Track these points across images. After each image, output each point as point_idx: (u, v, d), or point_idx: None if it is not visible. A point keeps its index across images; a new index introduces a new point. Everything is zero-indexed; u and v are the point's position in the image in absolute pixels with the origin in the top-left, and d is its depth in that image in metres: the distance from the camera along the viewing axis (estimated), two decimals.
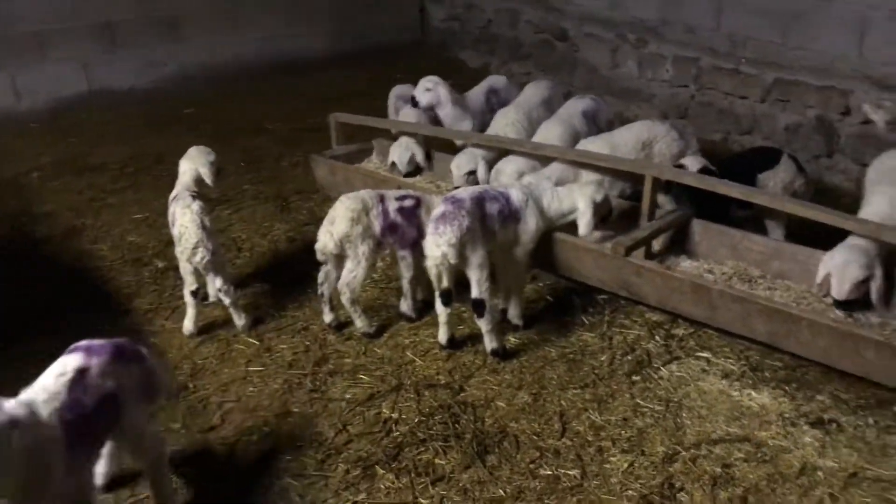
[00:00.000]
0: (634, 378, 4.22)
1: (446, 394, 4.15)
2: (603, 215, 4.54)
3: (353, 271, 4.44)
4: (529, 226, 4.38)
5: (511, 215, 4.33)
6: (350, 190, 4.66)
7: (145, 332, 4.72)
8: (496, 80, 6.57)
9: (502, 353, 4.37)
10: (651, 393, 4.11)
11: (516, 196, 4.38)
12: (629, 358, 4.38)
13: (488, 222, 4.26)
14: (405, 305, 4.71)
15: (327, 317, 4.67)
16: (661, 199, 5.06)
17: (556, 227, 4.59)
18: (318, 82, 9.47)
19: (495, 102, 6.30)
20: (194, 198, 4.52)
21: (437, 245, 4.13)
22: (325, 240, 4.44)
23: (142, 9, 8.78)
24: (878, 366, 3.69)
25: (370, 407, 4.06)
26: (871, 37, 6.16)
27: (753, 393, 4.05)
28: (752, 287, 4.39)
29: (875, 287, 3.96)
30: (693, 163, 4.86)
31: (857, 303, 4.03)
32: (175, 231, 4.51)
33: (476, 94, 6.40)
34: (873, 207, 4.24)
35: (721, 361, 4.30)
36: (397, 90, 6.77)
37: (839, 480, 3.51)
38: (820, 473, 3.55)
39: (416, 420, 3.95)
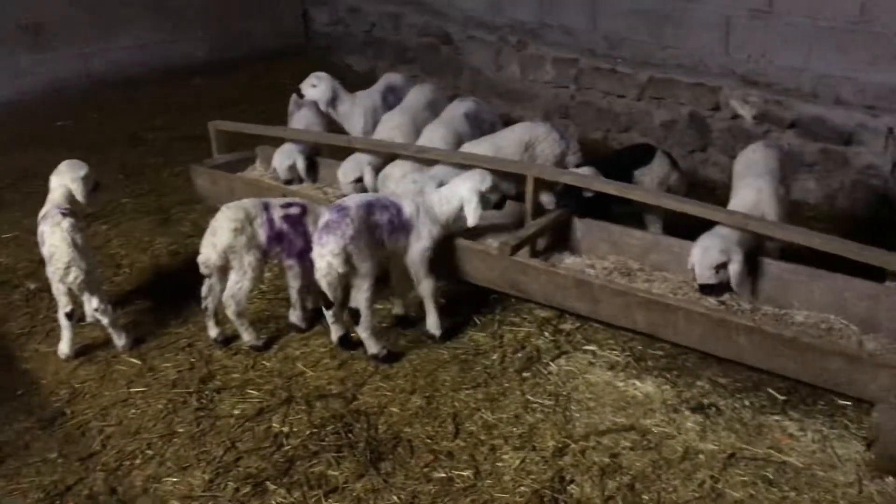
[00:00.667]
0: (525, 375, 4.28)
1: (339, 403, 4.10)
2: (495, 203, 4.57)
3: (238, 283, 4.34)
4: (423, 236, 4.37)
5: (402, 226, 4.32)
6: (234, 200, 4.53)
7: (17, 357, 4.47)
8: (393, 78, 6.54)
9: (383, 358, 4.36)
10: (541, 388, 4.18)
11: (408, 207, 4.37)
12: (520, 355, 4.44)
13: (376, 231, 4.24)
14: (294, 316, 4.64)
15: (212, 331, 4.55)
16: (545, 198, 5.16)
17: (455, 234, 4.60)
18: (199, 90, 9.24)
19: (393, 101, 6.27)
20: (65, 215, 4.30)
21: (321, 256, 4.10)
22: (208, 252, 4.33)
23: (2, 15, 8.30)
24: (749, 350, 3.86)
25: (260, 422, 3.98)
26: (734, 35, 6.48)
27: (638, 382, 4.19)
28: (632, 280, 4.53)
29: (733, 271, 4.14)
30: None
31: (719, 287, 4.21)
32: (45, 251, 4.29)
33: (371, 93, 6.36)
34: (740, 199, 4.44)
35: (607, 353, 4.42)
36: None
37: (719, 462, 3.66)
38: (701, 457, 3.70)
39: (307, 432, 3.89)
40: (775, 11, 6.21)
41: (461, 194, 4.46)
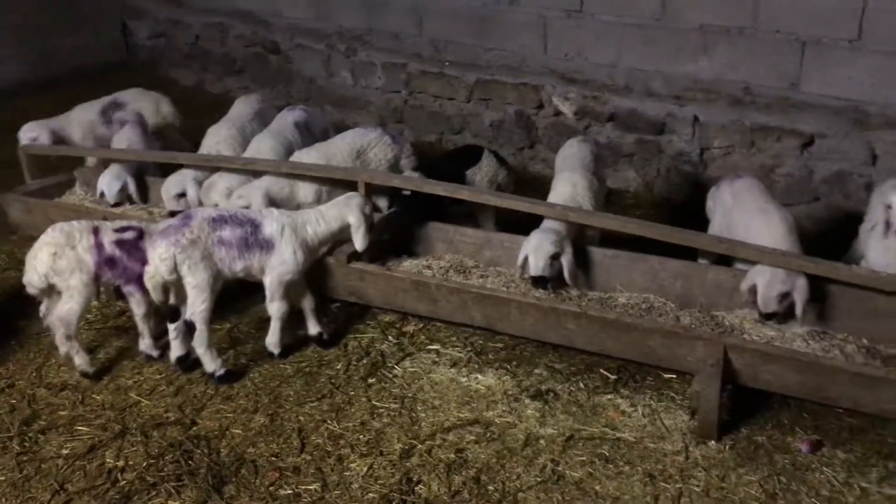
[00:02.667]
0: (370, 381, 4.28)
1: (177, 431, 3.94)
2: (370, 225, 4.50)
3: (66, 304, 4.16)
4: (285, 256, 4.25)
5: (258, 244, 4.21)
6: (51, 227, 4.27)
7: None
8: (122, 96, 6.39)
9: (221, 377, 4.25)
10: (387, 392, 4.19)
11: (270, 225, 4.25)
12: (364, 362, 4.43)
13: (220, 247, 4.14)
14: (144, 344, 4.44)
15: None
16: (381, 203, 5.19)
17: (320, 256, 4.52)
18: (12, 111, 8.56)
19: (115, 116, 6.19)
20: None
21: (151, 259, 4.06)
22: (30, 274, 4.20)
23: None
24: (578, 334, 4.04)
25: (92, 459, 3.76)
26: (551, 35, 6.77)
27: (480, 376, 4.28)
28: (467, 277, 4.62)
29: (566, 262, 4.33)
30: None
31: (551, 279, 4.38)
32: None
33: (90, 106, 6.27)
34: (558, 192, 4.64)
35: (449, 351, 4.48)
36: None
37: (559, 445, 3.80)
38: (542, 442, 3.82)
39: (144, 464, 3.71)
40: (585, 11, 6.53)
41: (344, 216, 4.39)
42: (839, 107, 5.65)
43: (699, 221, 4.90)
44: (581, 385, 4.21)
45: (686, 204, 6.06)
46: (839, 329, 4.08)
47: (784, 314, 4.07)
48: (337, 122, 7.38)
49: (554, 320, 4.06)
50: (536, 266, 4.31)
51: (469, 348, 4.51)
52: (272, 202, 4.87)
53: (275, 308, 4.33)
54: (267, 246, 4.22)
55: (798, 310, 3.99)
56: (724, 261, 4.43)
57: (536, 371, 4.33)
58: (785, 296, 4.01)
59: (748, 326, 4.14)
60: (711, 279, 4.35)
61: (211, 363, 4.23)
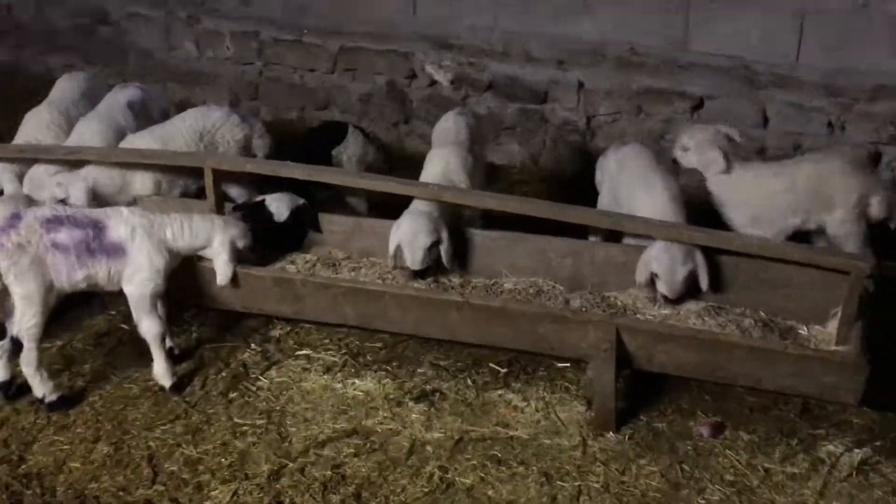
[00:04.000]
0: (231, 395, 4.20)
1: (2, 470, 3.73)
2: (236, 260, 4.32)
3: None
4: (142, 265, 4.06)
5: (104, 250, 4.01)
6: None
7: None
8: None
9: (54, 404, 4.07)
10: (251, 407, 4.11)
11: (118, 228, 4.05)
12: (224, 375, 4.35)
13: (55, 252, 3.94)
14: None
15: None
16: (234, 191, 5.09)
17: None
18: None
19: None
20: None
21: None
22: None
23: None
24: (463, 326, 4.05)
25: None
26: None
27: (357, 381, 4.25)
28: (337, 270, 4.57)
29: (444, 249, 4.35)
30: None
31: (430, 269, 4.40)
32: None
33: None
34: (429, 171, 4.65)
35: (322, 355, 4.44)
36: None
37: (446, 450, 3.83)
38: (429, 448, 3.84)
39: None
40: None
41: (211, 237, 4.21)
42: (728, 66, 5.91)
43: (591, 194, 5.02)
44: (469, 382, 4.25)
45: (575, 177, 6.19)
46: (735, 303, 4.24)
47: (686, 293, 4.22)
48: (182, 102, 7.12)
49: (436, 313, 4.06)
50: (414, 260, 4.31)
51: (344, 351, 4.47)
52: (99, 196, 4.68)
53: (145, 328, 4.12)
54: (115, 252, 4.02)
55: (703, 284, 4.12)
56: (617, 236, 4.55)
57: (420, 370, 4.34)
58: (689, 276, 4.14)
59: (641, 306, 4.27)
60: (602, 257, 4.45)
61: (41, 387, 4.04)
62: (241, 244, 4.29)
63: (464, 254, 4.57)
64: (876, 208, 4.47)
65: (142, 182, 4.91)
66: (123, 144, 4.98)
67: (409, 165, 5.45)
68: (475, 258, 4.58)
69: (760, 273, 4.23)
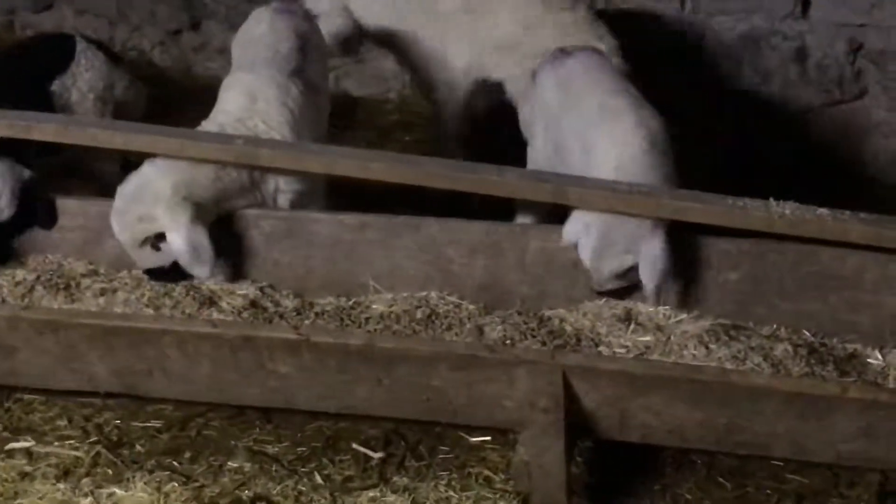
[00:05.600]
0: None
1: None
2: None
3: None
4: None
5: None
6: None
7: None
8: None
9: None
10: None
11: None
12: None
13: None
14: None
15: None
16: None
17: None
18: None
19: None
20: None
21: None
22: None
23: None
24: (300, 384, 3.25)
25: None
26: None
27: (118, 491, 3.26)
28: (73, 296, 3.61)
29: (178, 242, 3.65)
30: None
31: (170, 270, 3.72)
32: None
33: None
34: (223, 109, 3.85)
35: (55, 448, 3.46)
36: None
37: None
38: None
39: None
40: None
41: None
42: None
43: (518, 146, 4.28)
44: (319, 479, 3.32)
45: (490, 115, 5.34)
46: (763, 319, 3.53)
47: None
48: None
49: (252, 363, 3.21)
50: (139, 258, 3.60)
51: (94, 438, 3.52)
52: None
53: None
54: None
55: (647, 291, 3.49)
56: (562, 214, 3.73)
57: (232, 465, 3.37)
58: (631, 269, 3.58)
59: (605, 330, 3.47)
60: (536, 250, 3.66)
61: None
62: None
63: (301, 255, 3.74)
64: None
65: None
66: None
67: (199, 102, 4.61)
68: (319, 261, 3.72)
69: (804, 266, 3.49)
